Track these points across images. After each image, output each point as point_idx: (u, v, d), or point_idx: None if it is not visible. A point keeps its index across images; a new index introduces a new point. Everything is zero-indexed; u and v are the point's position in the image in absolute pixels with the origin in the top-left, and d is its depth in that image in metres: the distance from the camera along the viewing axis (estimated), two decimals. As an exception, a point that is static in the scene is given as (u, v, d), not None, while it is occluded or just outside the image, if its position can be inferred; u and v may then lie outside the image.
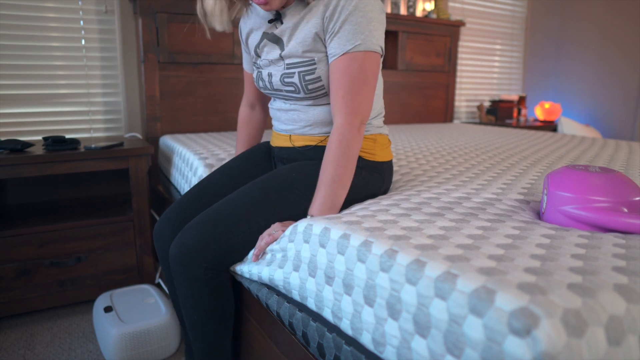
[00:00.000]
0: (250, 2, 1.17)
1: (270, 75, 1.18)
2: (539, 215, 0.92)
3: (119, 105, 2.37)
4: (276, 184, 1.11)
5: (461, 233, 0.75)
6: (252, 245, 1.09)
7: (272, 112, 1.29)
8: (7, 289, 1.72)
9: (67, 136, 2.27)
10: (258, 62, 1.22)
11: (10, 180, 2.12)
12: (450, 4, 3.56)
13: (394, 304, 0.67)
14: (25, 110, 2.17)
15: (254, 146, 1.41)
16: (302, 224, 0.92)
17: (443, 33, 3.18)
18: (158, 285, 2.08)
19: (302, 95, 1.14)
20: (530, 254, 0.64)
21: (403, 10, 3.09)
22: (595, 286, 0.53)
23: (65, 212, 1.97)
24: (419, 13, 3.19)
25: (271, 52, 1.17)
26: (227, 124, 2.48)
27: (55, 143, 1.80)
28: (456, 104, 3.75)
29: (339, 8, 1.02)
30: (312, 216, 1.01)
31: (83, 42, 2.23)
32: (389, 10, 3.01)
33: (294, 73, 1.13)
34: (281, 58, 1.15)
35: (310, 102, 1.17)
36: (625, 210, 0.77)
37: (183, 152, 1.80)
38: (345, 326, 0.79)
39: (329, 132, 1.18)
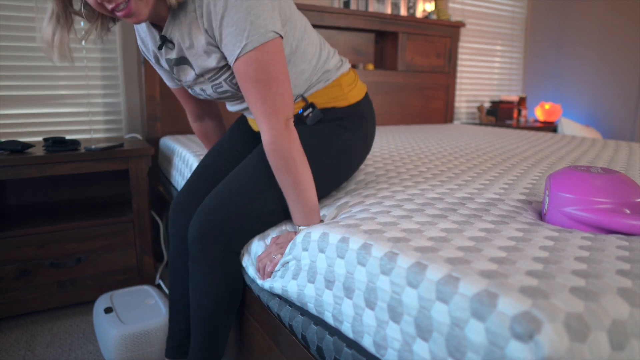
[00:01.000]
0: (112, 15, 0.98)
1: (203, 90, 1.12)
2: (541, 216, 0.92)
3: (119, 106, 2.37)
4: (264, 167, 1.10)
5: (463, 235, 0.75)
6: (266, 222, 1.10)
7: (232, 109, 1.24)
8: (7, 290, 1.72)
9: (68, 137, 2.27)
10: (182, 83, 1.15)
11: (11, 181, 2.12)
12: (451, 4, 3.56)
13: (395, 307, 0.67)
14: (25, 111, 2.17)
15: (236, 122, 1.40)
16: (300, 235, 0.92)
17: (443, 34, 3.18)
18: (158, 286, 2.08)
19: (242, 94, 1.10)
20: (532, 256, 0.64)
21: (403, 11, 3.09)
22: (598, 290, 0.53)
23: (65, 212, 1.97)
24: (419, 14, 3.19)
25: (187, 74, 1.10)
26: (227, 125, 2.48)
27: (56, 144, 1.80)
28: (456, 104, 3.74)
29: (212, 14, 0.91)
30: (299, 226, 1.01)
31: (83, 42, 2.23)
32: (389, 11, 3.01)
33: (220, 83, 1.07)
34: (200, 75, 1.07)
35: None
36: (628, 211, 0.77)
37: (183, 153, 1.80)
38: (346, 329, 0.78)
39: (293, 101, 1.11)
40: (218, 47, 0.98)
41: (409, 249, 0.69)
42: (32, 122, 2.19)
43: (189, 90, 1.17)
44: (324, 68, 1.15)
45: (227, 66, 1.03)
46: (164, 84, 2.27)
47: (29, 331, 1.72)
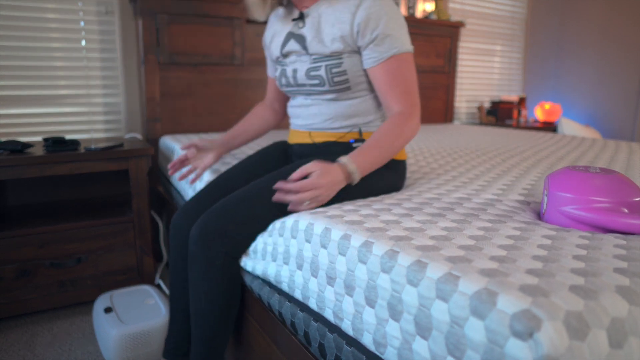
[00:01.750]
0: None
1: (295, 71, 1.23)
2: (540, 216, 0.92)
3: (119, 106, 2.37)
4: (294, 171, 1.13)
5: (463, 234, 0.75)
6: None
7: (291, 111, 1.32)
8: (7, 290, 1.72)
9: (67, 137, 2.27)
10: (283, 60, 1.27)
11: (11, 181, 2.12)
12: (451, 5, 3.56)
13: (395, 305, 0.67)
14: (25, 111, 2.17)
15: (271, 145, 1.44)
16: (303, 222, 0.92)
17: (443, 34, 3.18)
18: (158, 286, 2.08)
19: (326, 88, 1.18)
20: (531, 255, 0.64)
21: (403, 11, 3.09)
22: (597, 288, 0.53)
23: (65, 213, 1.97)
24: (419, 14, 3.19)
25: (296, 49, 1.22)
26: (228, 125, 2.48)
27: (56, 144, 1.80)
28: (456, 104, 3.75)
29: (373, 18, 1.10)
30: (350, 164, 1.05)
31: (83, 42, 2.23)
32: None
33: (320, 66, 1.17)
34: (307, 53, 1.20)
35: (332, 96, 1.20)
36: (626, 210, 0.77)
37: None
38: (347, 327, 0.79)
39: (350, 127, 1.23)
40: (347, 41, 1.14)
41: (409, 247, 0.69)
42: (32, 122, 2.19)
43: (277, 72, 1.30)
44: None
45: (336, 55, 1.16)
46: (164, 84, 2.27)
47: (29, 331, 1.72)
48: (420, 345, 0.63)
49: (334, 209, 0.95)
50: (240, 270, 1.15)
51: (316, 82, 1.19)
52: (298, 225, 0.94)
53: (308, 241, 0.89)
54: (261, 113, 1.50)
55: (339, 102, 1.21)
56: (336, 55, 1.16)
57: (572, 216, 0.80)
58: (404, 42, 1.13)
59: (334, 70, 1.16)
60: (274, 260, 1.01)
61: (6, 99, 2.12)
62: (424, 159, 1.58)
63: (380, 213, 0.90)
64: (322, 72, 1.17)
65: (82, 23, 2.22)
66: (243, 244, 1.11)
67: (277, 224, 1.04)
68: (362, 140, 1.23)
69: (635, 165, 1.50)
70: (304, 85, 1.23)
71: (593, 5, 3.95)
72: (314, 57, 1.19)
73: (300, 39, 1.21)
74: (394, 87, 1.13)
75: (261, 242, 1.07)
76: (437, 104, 3.29)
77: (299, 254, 0.92)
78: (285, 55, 1.27)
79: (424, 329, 0.62)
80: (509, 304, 0.51)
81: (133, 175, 1.89)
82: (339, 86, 1.18)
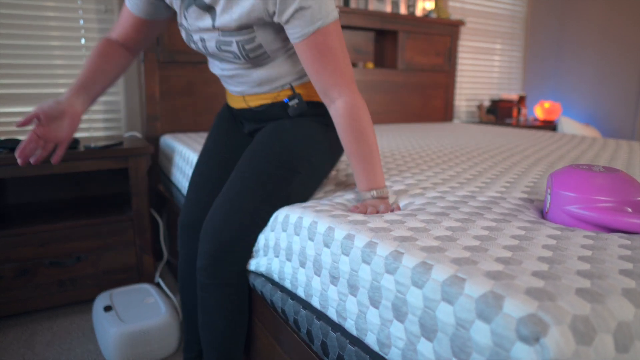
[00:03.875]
0: None
1: (202, 40, 1.10)
2: (543, 214, 0.92)
3: (118, 105, 2.36)
4: (267, 164, 1.10)
5: (468, 234, 0.75)
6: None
7: (215, 72, 1.23)
8: (6, 289, 1.71)
9: (67, 135, 2.26)
10: (184, 23, 1.12)
11: (10, 180, 2.11)
12: (450, 3, 3.56)
13: (399, 306, 0.67)
14: (25, 110, 2.16)
15: (217, 119, 1.36)
16: (307, 219, 0.92)
17: (443, 32, 3.18)
18: (158, 285, 2.08)
19: (242, 62, 1.10)
20: (537, 256, 0.64)
21: (403, 10, 3.08)
22: (603, 291, 0.53)
23: (64, 211, 1.96)
24: (419, 12, 3.19)
25: (201, 20, 1.07)
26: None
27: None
28: (456, 103, 3.74)
29: None
30: (369, 190, 1.03)
31: (83, 41, 2.22)
32: (388, 10, 3.01)
33: (231, 42, 1.06)
34: (214, 28, 1.06)
35: (251, 65, 1.12)
36: (630, 210, 0.77)
37: (184, 151, 1.79)
38: (350, 326, 0.78)
39: (280, 86, 1.16)
40: (262, 17, 1.01)
41: (414, 248, 0.69)
42: (31, 120, 2.18)
43: (182, 33, 1.15)
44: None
45: (247, 31, 1.04)
46: (164, 82, 2.26)
47: (28, 330, 1.72)
48: (425, 347, 0.62)
49: (338, 208, 0.94)
50: (247, 280, 1.14)
51: (230, 55, 1.09)
52: (302, 222, 0.93)
53: (311, 239, 0.89)
54: (112, 54, 1.18)
55: (260, 69, 1.13)
56: (247, 31, 1.03)
57: (576, 215, 0.80)
58: (328, 11, 0.98)
59: (247, 46, 1.05)
60: (277, 256, 1.01)
61: (6, 97, 2.12)
62: (427, 156, 1.58)
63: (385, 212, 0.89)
64: (234, 47, 1.06)
65: (81, 21, 2.21)
66: (250, 250, 1.09)
67: (279, 217, 1.03)
68: (298, 96, 1.14)
69: (635, 164, 1.50)
70: (216, 55, 1.12)
71: (593, 4, 3.94)
72: (222, 32, 1.05)
73: (207, 9, 1.05)
74: (324, 65, 1.01)
75: (262, 238, 1.07)
76: (436, 103, 3.29)
77: (302, 252, 0.92)
78: (186, 19, 1.10)
79: (429, 330, 0.62)
80: (515, 307, 0.50)
81: (133, 174, 1.88)
82: (257, 59, 1.09)
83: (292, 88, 1.16)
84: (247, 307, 1.14)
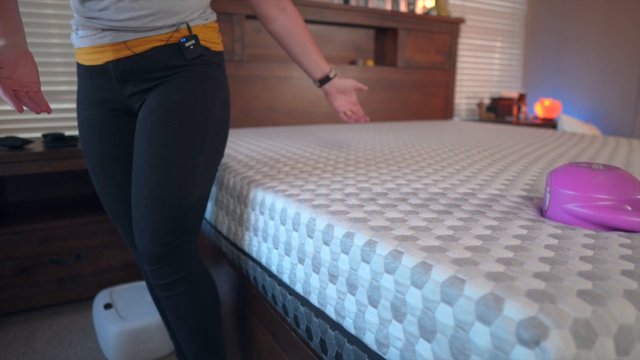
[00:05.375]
0: None
1: None
2: (542, 212, 0.92)
3: (118, 102, 2.36)
4: (168, 147, 0.98)
5: (469, 233, 0.74)
6: (205, 200, 1.06)
7: (83, 22, 1.01)
8: (6, 287, 1.71)
9: (67, 133, 2.26)
10: None
11: (10, 178, 2.11)
12: (451, 1, 3.55)
13: (398, 307, 0.67)
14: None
15: (84, 128, 1.11)
16: (305, 216, 0.91)
17: (443, 30, 3.17)
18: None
19: None
20: (538, 256, 0.63)
21: (403, 7, 3.08)
22: (605, 293, 0.52)
23: (64, 209, 1.96)
24: (419, 10, 3.18)
25: None
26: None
27: (55, 140, 1.79)
28: (456, 101, 3.74)
29: None
30: (329, 73, 1.38)
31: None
32: (389, 7, 3.00)
33: None
34: None
35: None
36: (629, 208, 0.77)
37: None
38: (348, 325, 0.78)
39: (175, 25, 1.01)
40: None
41: (414, 247, 0.69)
42: (31, 118, 2.18)
43: None
44: (207, 5, 1.09)
45: None
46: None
47: (28, 328, 1.72)
48: (423, 348, 0.62)
49: (337, 204, 0.94)
50: (202, 266, 1.08)
51: None
52: (300, 218, 0.93)
53: (310, 236, 0.88)
54: None
55: None
56: None
57: (575, 213, 0.80)
58: None
59: None
60: (276, 248, 1.01)
61: (4, 94, 2.11)
62: (427, 153, 1.57)
63: (386, 209, 0.89)
64: None
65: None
66: (195, 238, 1.04)
67: (277, 208, 1.01)
68: (195, 37, 1.03)
69: (635, 162, 1.50)
70: None
71: (593, 2, 3.93)
72: None
73: None
74: None
75: (262, 220, 1.06)
76: (436, 101, 3.28)
77: (301, 248, 0.91)
78: None
79: (427, 331, 0.61)
80: (515, 310, 0.50)
81: (132, 172, 1.88)
82: None
83: (188, 28, 1.03)
84: (216, 292, 1.10)
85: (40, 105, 0.88)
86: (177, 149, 0.98)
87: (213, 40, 1.09)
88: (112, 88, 1.05)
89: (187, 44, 1.02)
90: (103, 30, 0.99)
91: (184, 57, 1.03)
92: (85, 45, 1.03)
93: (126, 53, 1.00)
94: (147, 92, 1.05)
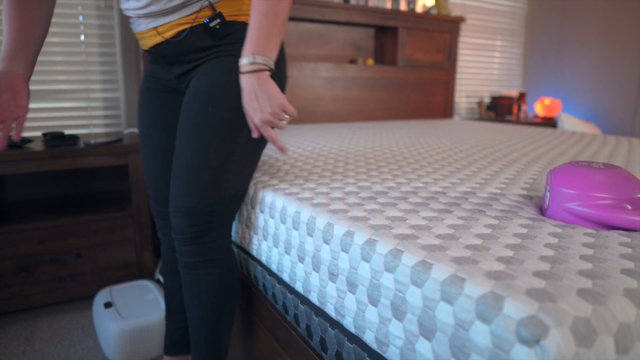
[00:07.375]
0: None
1: None
2: (542, 211, 0.92)
3: (118, 101, 2.36)
4: (206, 126, 0.99)
5: (470, 232, 0.74)
6: (242, 193, 1.07)
7: (126, 12, 1.06)
8: (6, 286, 1.71)
9: (66, 132, 2.26)
10: None
11: (10, 177, 2.11)
12: (450, 0, 3.55)
13: (398, 305, 0.67)
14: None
15: (142, 96, 1.19)
16: (305, 214, 0.91)
17: (443, 29, 3.17)
18: (158, 282, 2.08)
19: None
20: (538, 255, 0.63)
21: (403, 6, 3.07)
22: (605, 292, 0.52)
23: (64, 208, 1.96)
24: (419, 9, 3.18)
25: None
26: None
27: (55, 139, 1.79)
28: (456, 100, 3.74)
29: None
30: (251, 55, 0.93)
31: (82, 37, 2.22)
32: (389, 6, 3.00)
33: None
34: None
35: None
36: (629, 207, 0.77)
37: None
38: (348, 323, 0.78)
39: (200, 5, 1.00)
40: None
41: (414, 246, 0.69)
42: (31, 117, 2.18)
43: None
44: None
45: None
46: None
47: (28, 326, 1.72)
48: (423, 346, 0.62)
49: (337, 202, 0.94)
50: (235, 260, 1.12)
51: None
52: (300, 216, 0.93)
53: (310, 235, 0.88)
54: (26, 4, 1.02)
55: None
56: None
57: (575, 212, 0.80)
58: None
59: None
60: (276, 246, 1.01)
61: (4, 93, 2.11)
62: (427, 152, 1.57)
63: (386, 208, 0.89)
64: None
65: (80, 18, 2.20)
66: (227, 223, 1.05)
67: (277, 207, 1.02)
68: (219, 15, 1.00)
69: (635, 161, 1.50)
70: None
71: (593, 2, 3.93)
72: None
73: None
74: None
75: (262, 219, 1.07)
76: (437, 100, 3.28)
77: (301, 247, 0.91)
78: None
79: (427, 330, 0.61)
80: (515, 309, 0.50)
81: (132, 171, 1.88)
82: None
83: (211, 5, 1.00)
84: (237, 283, 1.11)
85: (14, 133, 0.90)
86: (215, 135, 0.99)
87: (242, 12, 1.03)
88: (164, 69, 1.12)
89: (212, 24, 1.00)
90: (139, 17, 1.04)
91: (213, 40, 1.02)
92: (135, 32, 1.10)
93: (159, 39, 1.04)
94: (190, 73, 1.08)
